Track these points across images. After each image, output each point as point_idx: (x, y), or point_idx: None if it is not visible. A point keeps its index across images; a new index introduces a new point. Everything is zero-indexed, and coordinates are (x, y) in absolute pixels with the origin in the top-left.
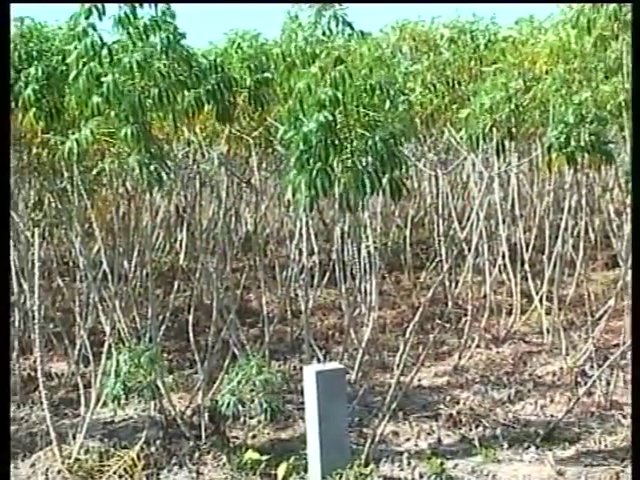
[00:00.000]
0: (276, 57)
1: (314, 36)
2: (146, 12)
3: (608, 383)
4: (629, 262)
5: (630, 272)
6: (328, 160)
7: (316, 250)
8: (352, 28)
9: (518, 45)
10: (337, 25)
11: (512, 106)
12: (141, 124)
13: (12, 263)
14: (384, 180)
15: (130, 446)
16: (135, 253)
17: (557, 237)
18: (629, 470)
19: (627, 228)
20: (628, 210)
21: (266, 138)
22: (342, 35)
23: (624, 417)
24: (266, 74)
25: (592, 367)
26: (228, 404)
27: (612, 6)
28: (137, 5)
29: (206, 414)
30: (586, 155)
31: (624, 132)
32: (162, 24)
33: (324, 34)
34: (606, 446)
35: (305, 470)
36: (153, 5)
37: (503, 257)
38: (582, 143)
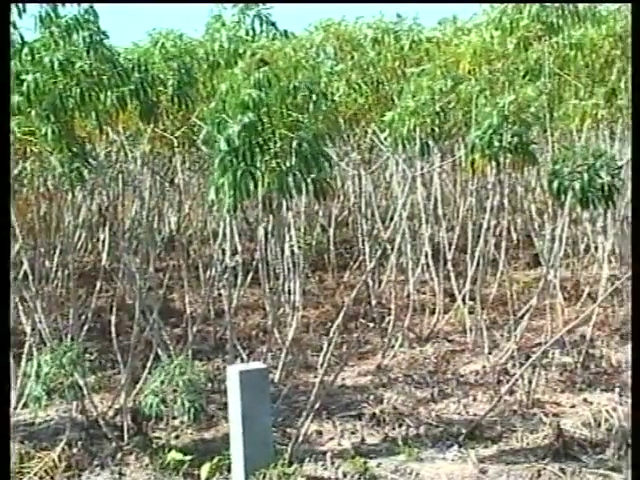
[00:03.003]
0: (200, 57)
1: (238, 36)
2: (68, 11)
3: (530, 382)
4: (551, 261)
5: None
6: (252, 161)
7: (239, 250)
8: (276, 28)
9: (442, 46)
10: (261, 25)
11: (436, 108)
12: (63, 123)
13: None
14: (308, 180)
15: (51, 448)
16: (57, 253)
17: (480, 236)
18: (550, 468)
19: (548, 228)
20: (550, 210)
21: (190, 138)
22: (266, 35)
23: (546, 415)
24: (190, 74)
25: (514, 366)
26: (151, 404)
27: (535, 7)
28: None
29: (128, 415)
30: (509, 156)
31: (547, 133)
32: (84, 23)
33: (248, 34)
34: (528, 444)
35: (228, 470)
36: (75, 4)
37: (426, 256)
38: (505, 144)
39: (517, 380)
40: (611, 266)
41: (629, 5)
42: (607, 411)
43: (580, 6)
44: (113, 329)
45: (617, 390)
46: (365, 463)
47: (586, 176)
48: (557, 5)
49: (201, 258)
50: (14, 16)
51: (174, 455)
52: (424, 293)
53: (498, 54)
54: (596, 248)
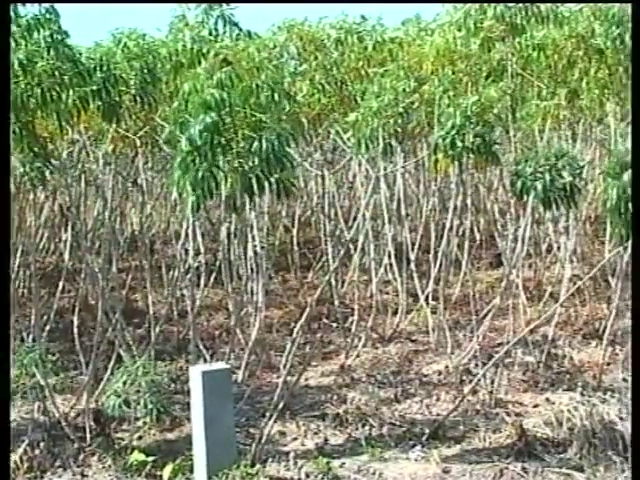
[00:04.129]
0: (163, 56)
1: (201, 36)
2: (29, 10)
3: (492, 381)
4: (513, 261)
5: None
6: (214, 161)
7: (202, 250)
8: (239, 28)
9: (405, 46)
10: (224, 25)
11: (400, 108)
12: (24, 123)
13: None
14: (271, 180)
15: (13, 449)
16: (19, 253)
17: (442, 237)
18: (513, 467)
19: (511, 228)
20: (512, 210)
21: (152, 137)
22: (229, 35)
23: (508, 415)
24: (153, 73)
25: (477, 365)
26: (113, 405)
27: (499, 8)
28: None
29: (91, 416)
30: (472, 156)
31: (509, 133)
32: (45, 22)
33: (211, 34)
34: (490, 444)
35: (191, 471)
36: (36, 4)
37: (389, 257)
38: (468, 144)
39: (480, 380)
40: (573, 266)
41: (629, 5)
42: (569, 410)
43: (542, 7)
44: (75, 330)
45: (579, 389)
46: (328, 463)
47: (548, 176)
48: (520, 6)
49: (164, 258)
50: None
51: (137, 456)
52: (387, 293)
53: (461, 55)
54: (558, 248)
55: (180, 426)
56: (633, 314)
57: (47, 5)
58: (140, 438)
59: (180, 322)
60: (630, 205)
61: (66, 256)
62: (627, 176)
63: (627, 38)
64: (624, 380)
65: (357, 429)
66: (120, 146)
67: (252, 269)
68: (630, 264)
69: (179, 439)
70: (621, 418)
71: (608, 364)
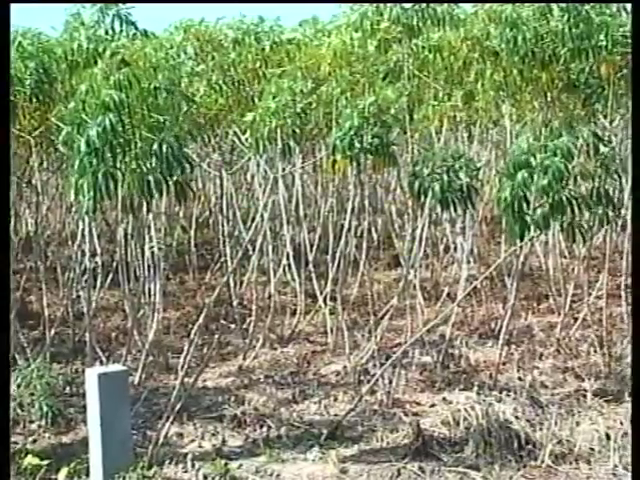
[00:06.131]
0: (58, 56)
1: (97, 35)
2: None
3: (390, 381)
4: (411, 262)
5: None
6: (113, 162)
7: (99, 251)
8: (136, 28)
9: (302, 47)
10: (121, 24)
11: (297, 109)
12: None
13: None
14: (169, 182)
15: None
16: None
17: (341, 237)
18: (410, 467)
19: (409, 228)
20: (410, 211)
21: (47, 138)
22: (126, 35)
23: (406, 415)
24: (48, 73)
25: (375, 366)
26: None
27: (395, 9)
28: None
29: None
30: (369, 157)
31: (407, 135)
32: None
33: (107, 33)
34: (388, 443)
35: (87, 474)
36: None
37: (287, 257)
38: (365, 145)
39: (377, 380)
40: (470, 266)
41: (629, 5)
42: (466, 410)
43: (439, 9)
44: None
45: (475, 389)
46: (226, 465)
47: (445, 177)
48: (417, 8)
49: (59, 260)
50: None
51: (31, 460)
52: (285, 294)
53: (358, 56)
54: (455, 248)
55: (76, 429)
56: (633, 313)
57: None
58: (34, 442)
59: (76, 324)
60: (524, 205)
61: None
62: (521, 176)
63: (520, 39)
64: (519, 379)
65: (255, 430)
66: (14, 146)
67: (149, 270)
68: (630, 264)
69: (74, 442)
70: (516, 417)
71: (504, 363)
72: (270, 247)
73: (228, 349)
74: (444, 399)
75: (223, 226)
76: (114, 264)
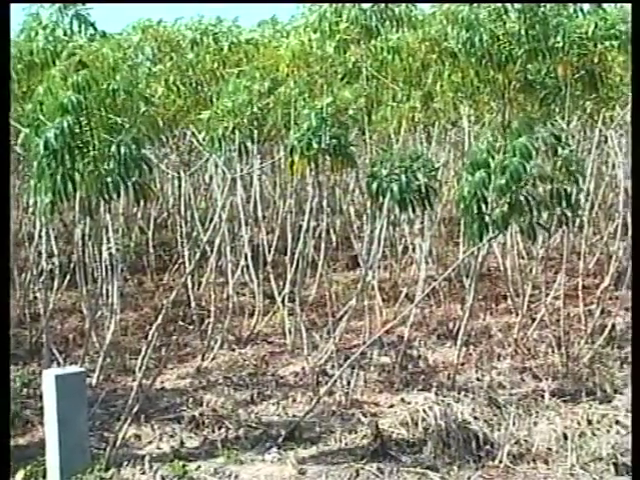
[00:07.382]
0: (15, 56)
1: (55, 36)
2: None
3: (349, 382)
4: (369, 263)
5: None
6: (71, 164)
7: (56, 252)
8: (95, 28)
9: (261, 48)
10: (79, 25)
11: (255, 109)
12: None
13: None
14: (128, 183)
15: None
16: None
17: (299, 238)
18: (368, 467)
19: (367, 229)
20: (368, 212)
21: None
22: (84, 35)
23: (364, 415)
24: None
25: (333, 367)
26: None
27: (354, 11)
28: None
29: None
30: (328, 157)
31: (365, 135)
32: None
33: (65, 34)
34: (346, 444)
35: (44, 476)
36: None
37: (246, 258)
38: (324, 146)
39: (336, 381)
40: (428, 267)
41: (629, 5)
42: (424, 410)
43: (397, 10)
44: None
45: (434, 389)
46: (184, 466)
47: (404, 178)
48: (375, 9)
49: (16, 261)
50: None
51: None
52: (244, 295)
53: (317, 57)
54: (414, 249)
55: (32, 431)
56: (633, 314)
57: None
58: None
59: (33, 325)
60: (483, 205)
61: None
62: (479, 176)
63: (477, 41)
64: (478, 380)
65: (213, 431)
66: None
67: (107, 271)
68: (630, 265)
69: (31, 444)
70: (475, 417)
71: (462, 364)
72: (228, 248)
73: (186, 350)
74: (402, 400)
75: (181, 227)
76: (71, 265)
